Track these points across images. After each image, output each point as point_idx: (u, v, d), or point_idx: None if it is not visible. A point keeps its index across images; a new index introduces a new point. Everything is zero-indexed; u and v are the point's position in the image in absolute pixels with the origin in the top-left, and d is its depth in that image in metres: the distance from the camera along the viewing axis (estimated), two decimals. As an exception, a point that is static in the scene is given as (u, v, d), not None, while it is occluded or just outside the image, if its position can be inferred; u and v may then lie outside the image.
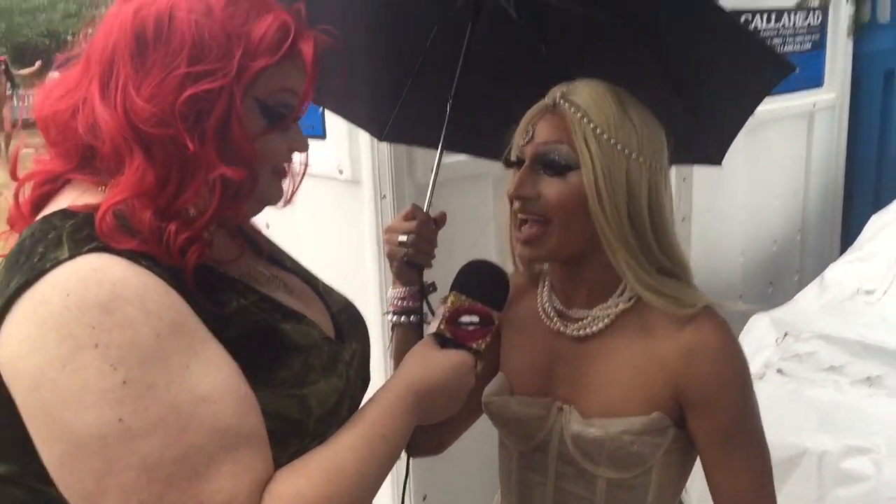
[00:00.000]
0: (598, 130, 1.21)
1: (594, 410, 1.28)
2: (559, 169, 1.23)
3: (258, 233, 1.26)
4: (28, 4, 22.34)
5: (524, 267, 1.41)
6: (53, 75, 1.06)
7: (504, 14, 1.58)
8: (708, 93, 1.53)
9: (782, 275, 4.22)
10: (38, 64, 15.15)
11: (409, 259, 1.44)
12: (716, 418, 1.24)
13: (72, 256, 0.86)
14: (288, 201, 1.19)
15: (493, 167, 2.47)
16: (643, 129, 1.24)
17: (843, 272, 3.28)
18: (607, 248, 1.23)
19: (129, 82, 0.92)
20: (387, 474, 1.02)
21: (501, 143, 1.37)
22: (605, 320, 1.29)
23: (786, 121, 4.02)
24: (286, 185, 1.12)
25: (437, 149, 1.58)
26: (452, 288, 1.19)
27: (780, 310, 3.14)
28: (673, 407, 1.25)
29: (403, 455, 1.30)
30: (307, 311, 1.09)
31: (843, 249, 4.18)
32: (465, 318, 1.16)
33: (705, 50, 1.43)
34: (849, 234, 4.43)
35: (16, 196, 1.02)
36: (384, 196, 2.23)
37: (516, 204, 1.27)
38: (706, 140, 1.60)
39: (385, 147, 2.20)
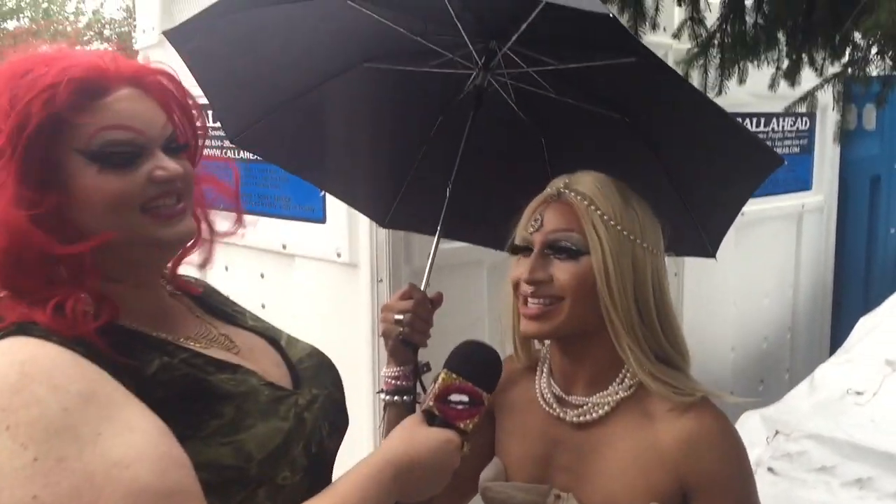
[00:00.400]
0: (605, 217, 1.25)
1: (594, 500, 1.28)
2: (572, 254, 1.26)
3: (218, 294, 1.26)
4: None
5: (523, 350, 1.42)
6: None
7: (505, 106, 1.64)
8: (701, 185, 1.58)
9: (773, 372, 4.23)
10: None
11: (405, 338, 1.44)
12: None
13: None
14: (203, 265, 1.19)
15: (488, 255, 2.52)
16: (644, 217, 1.29)
17: (833, 373, 3.29)
18: (612, 332, 1.25)
19: None
20: None
21: (499, 232, 1.39)
22: (606, 408, 1.29)
23: (775, 221, 4.10)
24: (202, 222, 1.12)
25: (441, 236, 1.60)
26: (445, 366, 1.19)
27: (771, 408, 3.13)
28: (672, 496, 1.25)
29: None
30: (249, 364, 1.08)
31: (832, 348, 4.20)
32: (455, 397, 1.15)
33: (699, 144, 1.48)
34: (838, 334, 4.45)
35: None
36: (381, 280, 2.25)
37: (527, 288, 1.28)
38: (700, 231, 1.64)
39: (383, 232, 2.23)
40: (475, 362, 1.20)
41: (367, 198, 1.87)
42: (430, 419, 1.14)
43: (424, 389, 1.43)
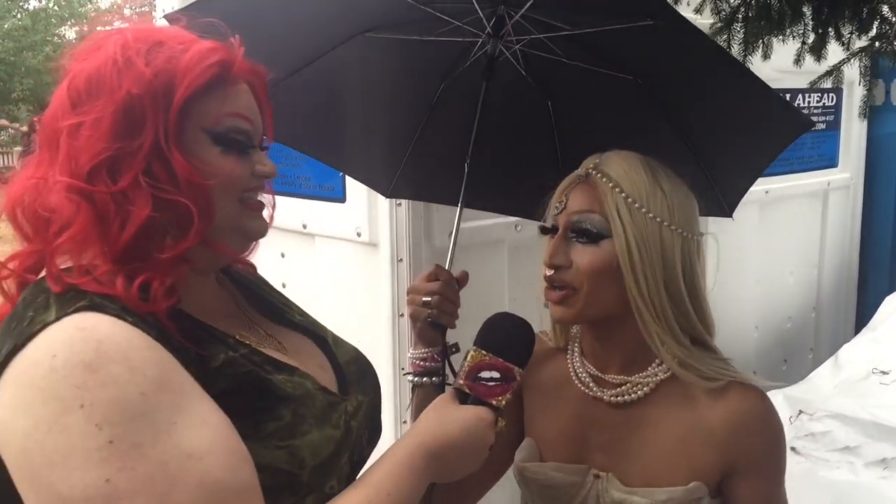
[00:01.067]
0: (629, 199, 1.23)
1: (636, 479, 1.27)
2: (592, 237, 1.25)
3: (266, 285, 1.26)
4: (55, 64, 22.85)
5: (560, 331, 1.41)
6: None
7: (509, 70, 1.60)
8: (719, 144, 1.54)
9: (796, 352, 4.20)
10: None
11: (433, 319, 1.43)
12: (759, 483, 1.25)
13: (58, 318, 0.86)
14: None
15: (509, 234, 2.52)
16: (674, 198, 1.26)
17: (857, 352, 3.27)
18: (638, 318, 1.24)
19: (69, 142, 0.95)
20: None
21: (508, 200, 1.37)
22: (646, 388, 1.29)
23: (800, 199, 4.06)
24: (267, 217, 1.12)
25: (444, 203, 1.59)
26: (474, 343, 1.17)
27: (795, 388, 3.12)
28: (713, 475, 1.25)
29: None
30: (302, 365, 1.08)
31: (857, 328, 4.16)
32: (485, 374, 1.13)
33: (717, 102, 1.44)
34: (863, 313, 4.41)
35: (3, 294, 1.02)
36: (401, 259, 2.25)
37: (548, 272, 1.28)
38: (716, 190, 1.60)
39: (403, 211, 2.23)
40: (505, 337, 1.18)
41: (368, 168, 1.86)
42: (462, 398, 1.13)
43: (453, 371, 1.41)
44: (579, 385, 1.35)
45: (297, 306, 1.28)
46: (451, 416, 1.09)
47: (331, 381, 1.13)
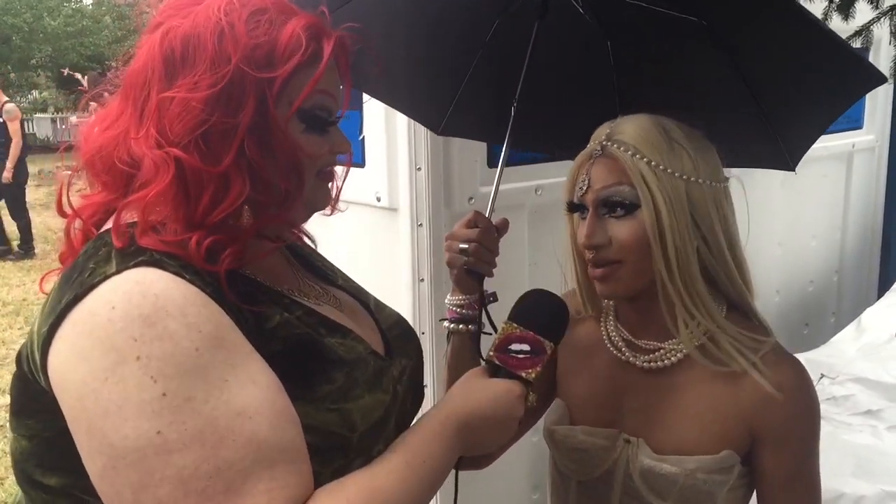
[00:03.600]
0: (652, 163, 1.20)
1: (667, 446, 1.27)
2: (627, 208, 1.22)
3: (311, 249, 1.27)
4: (74, 28, 22.89)
5: (590, 303, 1.39)
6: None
7: (570, 9, 1.56)
8: (785, 94, 1.49)
9: (819, 316, 4.17)
10: None
11: (470, 267, 1.40)
12: (787, 456, 1.24)
13: (119, 271, 0.87)
14: (333, 206, 1.20)
15: (529, 198, 2.50)
16: (693, 150, 1.23)
17: (880, 315, 3.24)
18: (661, 292, 1.22)
19: (161, 105, 0.94)
20: (427, 499, 1.01)
21: (562, 141, 1.33)
22: (679, 354, 1.28)
23: (825, 161, 4.00)
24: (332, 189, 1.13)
25: (494, 143, 1.55)
26: (508, 317, 1.17)
27: (817, 351, 3.10)
28: (743, 444, 1.25)
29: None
30: (355, 326, 1.08)
31: (880, 292, 4.12)
32: (516, 346, 1.12)
33: (784, 52, 1.38)
34: (887, 276, 4.37)
35: (67, 232, 1.04)
36: (420, 224, 2.24)
37: (589, 253, 1.26)
38: (779, 142, 1.56)
39: (423, 175, 2.22)
40: (537, 311, 1.18)
41: (420, 105, 1.82)
42: (493, 371, 1.13)
43: (490, 319, 1.41)
44: (612, 349, 1.34)
45: (341, 272, 1.29)
46: (479, 389, 1.09)
47: (379, 344, 1.14)
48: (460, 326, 1.43)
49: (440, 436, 1.03)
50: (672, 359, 1.28)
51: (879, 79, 1.39)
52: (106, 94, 1.06)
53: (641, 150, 1.21)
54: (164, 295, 0.86)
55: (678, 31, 1.47)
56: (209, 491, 0.83)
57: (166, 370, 0.83)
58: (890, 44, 2.57)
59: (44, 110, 23.41)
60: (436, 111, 1.76)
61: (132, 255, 0.89)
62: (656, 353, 1.30)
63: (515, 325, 1.14)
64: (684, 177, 1.21)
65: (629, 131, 1.24)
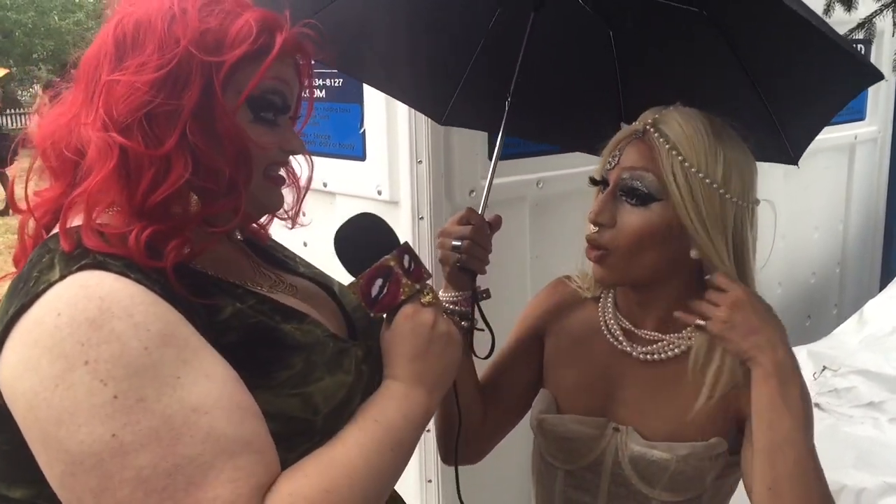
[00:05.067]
0: (686, 163, 1.19)
1: (657, 434, 1.27)
2: (642, 198, 1.21)
3: (272, 241, 1.26)
4: (67, 24, 22.89)
5: (597, 286, 1.39)
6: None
7: (574, 2, 1.55)
8: (786, 87, 1.48)
9: (820, 308, 4.17)
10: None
11: (462, 264, 1.39)
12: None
13: (62, 277, 0.86)
14: (293, 219, 1.19)
15: (531, 191, 2.50)
16: (734, 164, 1.21)
17: (882, 307, 3.24)
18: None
19: (108, 87, 0.94)
20: (395, 462, 1.00)
21: (565, 131, 1.33)
22: (678, 349, 1.28)
23: (827, 152, 3.99)
24: (288, 196, 1.13)
25: (497, 133, 1.54)
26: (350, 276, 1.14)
27: (819, 343, 3.10)
28: (730, 430, 1.26)
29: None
30: (311, 311, 1.08)
31: (882, 284, 4.12)
32: (374, 291, 1.09)
33: (782, 46, 1.38)
34: (889, 268, 4.37)
35: (20, 233, 1.03)
36: (422, 217, 2.24)
37: (591, 228, 1.26)
38: (781, 135, 1.55)
39: (424, 169, 2.21)
40: (356, 251, 1.13)
41: (423, 95, 1.81)
42: (388, 320, 1.11)
43: (483, 316, 1.41)
44: (609, 337, 1.34)
45: (301, 259, 1.28)
46: (390, 342, 1.08)
47: (341, 327, 1.14)
48: None
49: (391, 398, 1.03)
50: (671, 352, 1.28)
51: (876, 75, 1.38)
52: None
53: (680, 147, 1.20)
54: (109, 297, 0.85)
55: (678, 21, 1.46)
56: (170, 489, 0.83)
57: (116, 372, 0.82)
58: (893, 35, 2.56)
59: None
60: (438, 102, 1.76)
61: (76, 259, 0.88)
62: (656, 345, 1.30)
63: (354, 280, 1.11)
64: (714, 185, 1.19)
65: (675, 124, 1.22)
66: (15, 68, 22.53)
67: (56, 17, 22.63)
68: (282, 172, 1.10)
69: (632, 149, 1.24)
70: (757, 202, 1.27)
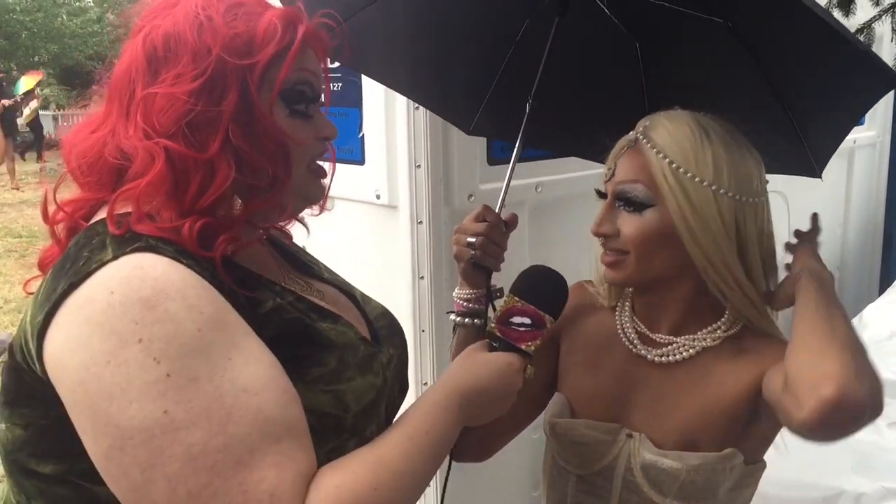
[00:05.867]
0: (674, 165, 1.21)
1: (669, 442, 1.27)
2: (637, 206, 1.24)
3: (296, 247, 1.29)
4: (86, 30, 22.91)
5: (609, 291, 1.40)
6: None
7: (595, 10, 1.56)
8: (808, 98, 1.49)
9: (819, 312, 4.16)
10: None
11: (476, 262, 1.40)
12: None
13: (115, 257, 0.88)
14: (322, 206, 1.20)
15: (530, 196, 2.50)
16: (727, 160, 1.22)
17: (882, 312, 3.24)
18: (709, 283, 1.23)
19: (146, 100, 0.96)
20: (432, 471, 1.03)
21: (590, 143, 1.34)
22: (690, 350, 1.29)
23: (826, 157, 3.99)
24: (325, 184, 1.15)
25: (525, 144, 1.54)
26: (510, 290, 1.20)
27: (817, 348, 3.09)
28: (749, 439, 1.26)
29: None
30: (342, 314, 1.11)
31: (882, 288, 4.12)
32: (517, 319, 1.15)
33: (806, 56, 1.38)
34: (888, 273, 4.37)
35: (51, 232, 1.04)
36: (420, 221, 2.24)
37: (599, 238, 1.29)
38: (805, 147, 1.55)
39: (422, 173, 2.22)
40: (539, 286, 1.20)
41: (450, 103, 1.82)
42: (492, 344, 1.15)
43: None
44: (625, 341, 1.35)
45: (324, 265, 1.30)
46: (481, 362, 1.12)
47: (366, 333, 1.16)
48: (466, 320, 1.42)
49: (442, 409, 1.05)
50: (683, 353, 1.29)
51: (894, 80, 1.38)
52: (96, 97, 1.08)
53: (667, 152, 1.21)
54: (163, 278, 0.87)
55: (703, 32, 1.47)
56: (218, 466, 0.84)
57: (169, 351, 0.84)
58: (892, 41, 2.57)
59: (46, 107, 23.42)
60: (465, 111, 1.77)
61: (128, 242, 0.90)
62: (669, 347, 1.30)
63: (517, 298, 1.16)
64: (705, 183, 1.20)
65: (663, 130, 1.24)
66: (16, 71, 22.56)
67: (64, 18, 22.66)
68: (320, 163, 1.12)
69: (625, 160, 1.27)
70: (760, 195, 1.26)
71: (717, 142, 1.23)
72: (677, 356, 1.29)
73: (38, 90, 16.36)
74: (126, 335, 0.84)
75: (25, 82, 15.55)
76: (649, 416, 1.31)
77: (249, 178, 0.99)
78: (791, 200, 3.75)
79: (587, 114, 1.56)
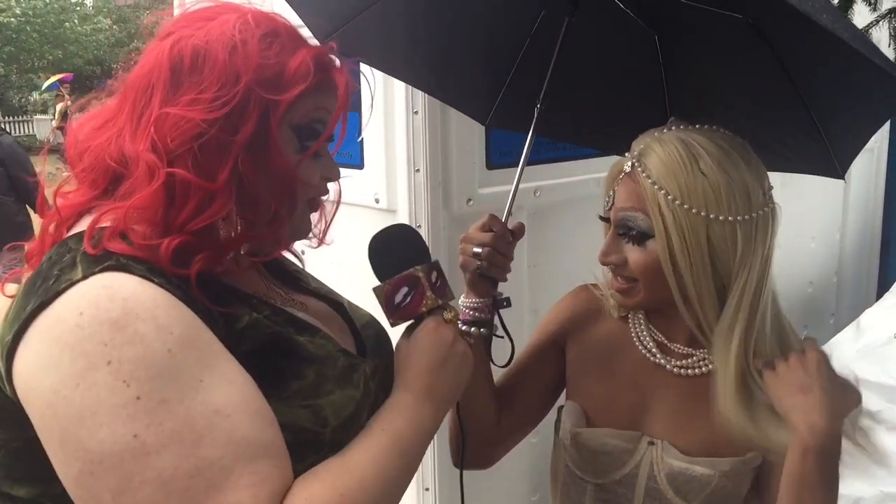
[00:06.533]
0: (670, 197, 1.19)
1: (695, 449, 1.27)
2: (637, 238, 1.23)
3: (281, 256, 1.27)
4: (85, 31, 22.90)
5: (620, 308, 1.39)
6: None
7: (610, 5, 1.55)
8: (831, 97, 1.48)
9: (818, 317, 4.17)
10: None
11: (482, 272, 1.39)
12: None
13: (85, 276, 0.87)
14: (321, 239, 1.21)
15: (528, 200, 2.50)
16: (721, 184, 1.19)
17: (880, 317, 3.24)
18: (688, 319, 1.23)
19: (161, 110, 0.94)
20: (405, 472, 1.02)
21: (608, 135, 1.34)
22: (711, 365, 1.27)
23: (823, 162, 4.00)
24: (315, 219, 1.15)
25: (540, 136, 1.53)
26: (376, 278, 1.15)
27: (815, 352, 3.09)
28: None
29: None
30: (323, 327, 1.09)
31: (879, 293, 4.12)
32: (398, 298, 1.11)
33: (828, 53, 1.36)
34: (886, 277, 4.37)
35: (43, 230, 1.03)
36: (419, 225, 2.24)
37: (609, 266, 1.28)
38: (827, 147, 1.54)
39: (421, 177, 2.22)
40: (385, 255, 1.16)
41: (467, 96, 1.83)
42: (407, 331, 1.13)
43: (503, 323, 1.41)
44: (642, 350, 1.34)
45: (311, 275, 1.29)
46: (411, 349, 1.10)
47: (350, 343, 1.15)
48: (472, 329, 1.41)
49: (400, 410, 1.05)
50: (703, 368, 1.29)
51: None
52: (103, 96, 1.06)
53: (662, 182, 1.20)
54: (133, 298, 0.86)
55: (724, 28, 1.46)
56: (191, 490, 0.83)
57: (139, 373, 0.83)
58: (889, 46, 2.57)
59: (44, 112, 23.43)
60: (483, 103, 1.77)
61: (98, 260, 0.89)
62: (689, 360, 1.30)
63: (381, 283, 1.13)
64: (702, 213, 1.18)
65: (655, 158, 1.22)
66: (15, 75, 22.58)
67: (76, 22, 22.66)
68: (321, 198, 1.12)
69: (622, 188, 1.26)
70: (765, 206, 1.25)
71: (708, 166, 1.20)
72: (698, 370, 1.29)
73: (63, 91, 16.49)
74: (95, 357, 0.82)
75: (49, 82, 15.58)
76: (671, 424, 1.30)
77: (250, 211, 0.98)
78: (788, 206, 3.75)
79: (606, 108, 1.56)
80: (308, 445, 0.96)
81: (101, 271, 0.87)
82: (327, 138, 1.05)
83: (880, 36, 2.65)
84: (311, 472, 0.94)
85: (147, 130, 0.94)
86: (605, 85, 1.67)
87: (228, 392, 0.87)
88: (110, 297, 0.85)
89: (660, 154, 1.21)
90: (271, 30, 0.99)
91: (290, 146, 1.00)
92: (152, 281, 0.88)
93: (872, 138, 4.29)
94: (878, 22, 2.48)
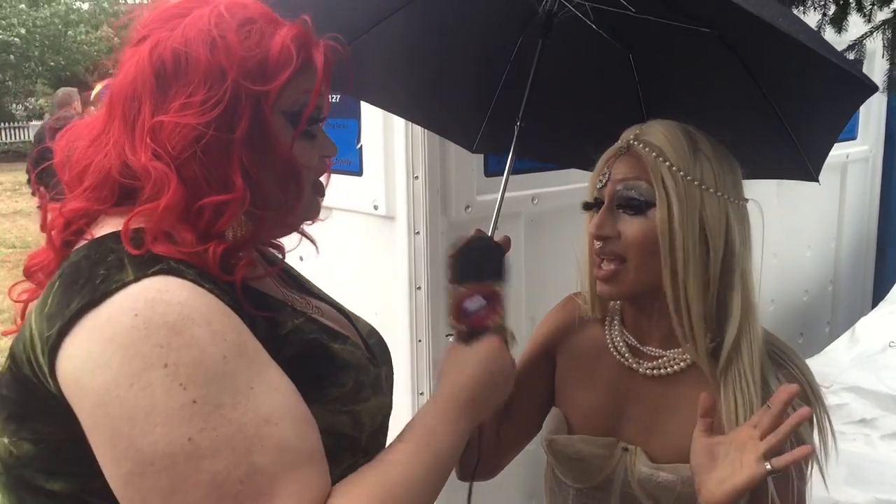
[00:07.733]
0: (673, 168, 1.22)
1: (664, 455, 1.28)
2: (639, 206, 1.23)
3: (286, 263, 1.28)
4: (92, 38, 22.92)
5: (598, 303, 1.40)
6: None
7: (585, 25, 1.57)
8: (798, 103, 1.51)
9: (813, 325, 4.18)
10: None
11: None
12: None
13: (137, 279, 0.86)
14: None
15: (526, 207, 2.52)
16: (717, 165, 1.24)
17: (874, 325, 3.26)
18: (670, 297, 1.22)
19: (154, 120, 0.93)
20: (439, 483, 1.02)
21: (587, 154, 1.35)
22: (681, 364, 1.29)
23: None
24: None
25: (530, 158, 1.55)
26: (449, 281, 1.16)
27: (811, 361, 3.11)
28: None
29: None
30: (349, 334, 1.11)
31: (874, 302, 4.14)
32: (470, 305, 1.12)
33: (786, 64, 1.40)
34: (881, 287, 4.39)
35: (49, 239, 1.01)
36: (418, 232, 2.26)
37: (597, 243, 1.27)
38: (800, 151, 1.57)
39: (420, 184, 2.23)
40: (471, 263, 1.17)
41: (454, 125, 1.85)
42: (464, 337, 1.13)
43: None
44: (616, 355, 1.35)
45: (313, 284, 1.29)
46: (465, 359, 1.11)
47: (363, 351, 1.16)
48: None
49: (443, 420, 1.05)
50: (674, 367, 1.29)
51: (871, 88, 1.40)
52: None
53: (665, 153, 1.22)
54: (188, 303, 0.86)
55: (693, 41, 1.48)
56: (241, 496, 0.84)
57: (196, 377, 0.83)
58: (883, 57, 2.60)
59: (40, 117, 23.41)
60: (469, 130, 1.79)
61: (149, 263, 0.88)
62: (659, 361, 1.30)
63: (458, 286, 1.14)
64: (703, 186, 1.22)
65: (657, 134, 1.25)
66: (10, 81, 22.55)
67: (82, 28, 22.66)
68: (322, 179, 1.12)
69: (620, 164, 1.27)
70: (746, 200, 1.28)
71: (706, 147, 1.25)
72: (668, 370, 1.30)
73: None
74: (151, 358, 0.82)
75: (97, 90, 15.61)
76: (643, 429, 1.31)
77: (260, 204, 0.97)
78: (784, 215, 3.78)
79: (588, 126, 1.57)
80: (345, 450, 0.98)
81: (153, 274, 0.87)
82: (316, 119, 1.05)
83: (874, 47, 2.67)
84: (353, 481, 0.94)
85: (144, 141, 0.93)
86: (584, 104, 1.69)
87: (276, 399, 0.88)
88: (166, 300, 0.85)
89: (660, 132, 1.25)
90: (246, 18, 0.98)
91: (286, 133, 1.00)
92: (203, 287, 0.88)
93: (867, 148, 4.34)
94: (872, 33, 2.50)
